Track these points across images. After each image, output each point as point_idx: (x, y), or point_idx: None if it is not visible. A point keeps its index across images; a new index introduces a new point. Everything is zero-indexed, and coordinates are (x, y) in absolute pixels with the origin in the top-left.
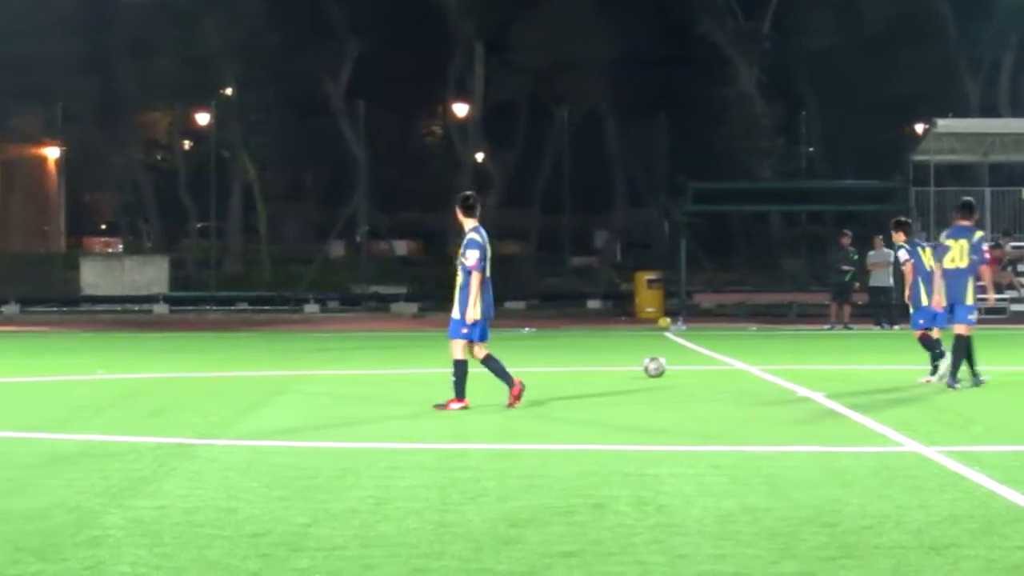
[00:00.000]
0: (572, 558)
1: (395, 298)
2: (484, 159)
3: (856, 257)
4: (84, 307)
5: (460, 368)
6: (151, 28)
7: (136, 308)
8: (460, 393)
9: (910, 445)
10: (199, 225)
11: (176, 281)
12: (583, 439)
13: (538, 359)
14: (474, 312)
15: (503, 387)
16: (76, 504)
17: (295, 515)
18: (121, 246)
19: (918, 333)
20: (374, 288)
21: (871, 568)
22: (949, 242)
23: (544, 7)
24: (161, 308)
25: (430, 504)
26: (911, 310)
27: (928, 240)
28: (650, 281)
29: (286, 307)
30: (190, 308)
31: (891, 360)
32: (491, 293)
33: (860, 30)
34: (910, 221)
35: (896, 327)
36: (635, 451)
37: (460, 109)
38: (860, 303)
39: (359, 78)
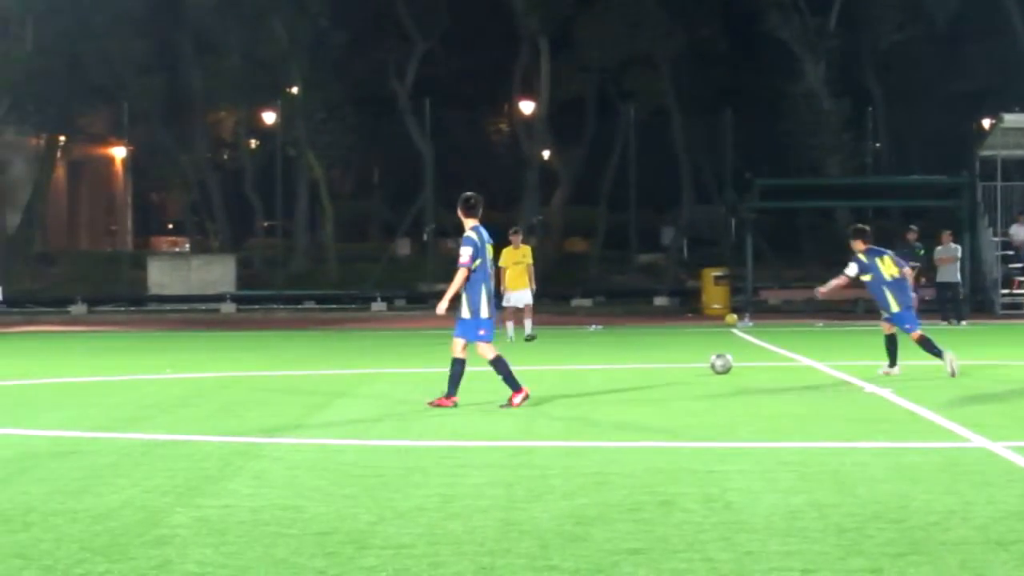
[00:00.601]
0: (639, 555)
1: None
2: (550, 156)
3: (923, 252)
4: (151, 306)
5: (499, 365)
6: (217, 27)
7: (203, 307)
8: (515, 385)
9: (977, 441)
10: (266, 224)
11: (243, 280)
12: (649, 436)
13: (605, 356)
14: (445, 305)
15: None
16: (143, 503)
17: (362, 513)
18: (188, 245)
19: (916, 335)
20: (441, 286)
21: (938, 564)
22: None
23: (609, 3)
24: (228, 307)
25: (497, 502)
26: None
27: (995, 235)
28: (717, 278)
29: (353, 305)
30: (257, 307)
31: (959, 356)
32: (492, 293)
33: (927, 25)
34: (867, 228)
35: (964, 323)
36: (702, 448)
37: (526, 106)
38: (927, 299)
39: (425, 76)
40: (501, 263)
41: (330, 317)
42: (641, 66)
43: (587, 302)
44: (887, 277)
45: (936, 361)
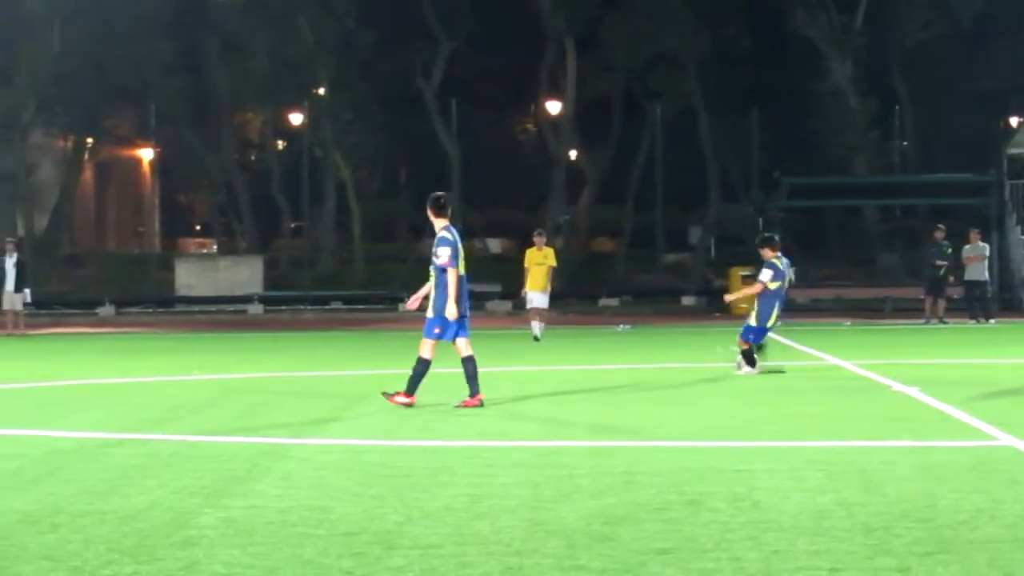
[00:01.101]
0: (667, 555)
1: (489, 296)
2: (577, 156)
3: (951, 251)
4: (179, 308)
5: (423, 366)
6: (243, 28)
7: (230, 308)
8: (412, 389)
9: (1005, 439)
10: (293, 225)
11: (270, 281)
12: (677, 436)
13: (632, 356)
14: (454, 310)
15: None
16: (170, 504)
17: (389, 514)
18: (215, 246)
19: (746, 345)
20: (468, 286)
21: (966, 562)
22: None
23: (635, 3)
24: (255, 308)
25: (524, 502)
26: (753, 323)
27: (1023, 233)
28: (744, 277)
29: (380, 306)
30: (284, 308)
31: (986, 354)
32: (467, 291)
33: (954, 23)
34: (775, 237)
35: (992, 321)
36: (729, 447)
37: (553, 106)
38: (956, 297)
39: (451, 76)
40: (525, 264)
41: (357, 318)
42: (667, 66)
43: (614, 301)
44: (783, 288)
45: (957, 360)
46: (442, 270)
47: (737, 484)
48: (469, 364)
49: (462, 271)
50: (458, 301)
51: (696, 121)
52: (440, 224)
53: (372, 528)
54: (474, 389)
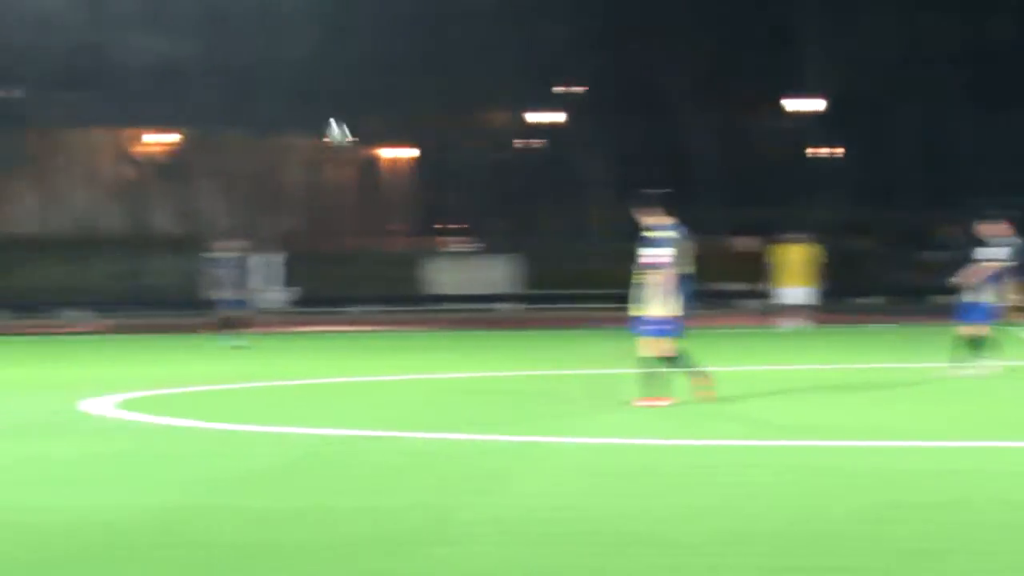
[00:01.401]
0: (932, 556)
1: (739, 295)
2: (830, 153)
3: None
4: (434, 306)
5: (661, 364)
6: (495, 28)
7: (485, 307)
8: (660, 390)
9: None
10: (549, 223)
11: (531, 280)
12: (938, 436)
13: (889, 354)
14: (673, 308)
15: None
16: (434, 502)
17: (645, 513)
18: (471, 244)
19: (982, 330)
20: (718, 285)
21: None
22: None
23: None
24: (511, 306)
25: (783, 501)
26: (992, 302)
27: None
28: None
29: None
30: (539, 306)
31: None
32: (686, 291)
33: None
34: (994, 213)
35: None
36: (994, 447)
37: (804, 104)
38: None
39: (700, 74)
40: (778, 261)
41: (618, 315)
42: (922, 61)
43: (870, 300)
44: (1004, 268)
45: None
46: (663, 268)
47: (1005, 485)
48: (680, 361)
49: (685, 271)
50: (677, 301)
51: (953, 117)
52: (666, 222)
53: (635, 528)
54: (703, 381)
